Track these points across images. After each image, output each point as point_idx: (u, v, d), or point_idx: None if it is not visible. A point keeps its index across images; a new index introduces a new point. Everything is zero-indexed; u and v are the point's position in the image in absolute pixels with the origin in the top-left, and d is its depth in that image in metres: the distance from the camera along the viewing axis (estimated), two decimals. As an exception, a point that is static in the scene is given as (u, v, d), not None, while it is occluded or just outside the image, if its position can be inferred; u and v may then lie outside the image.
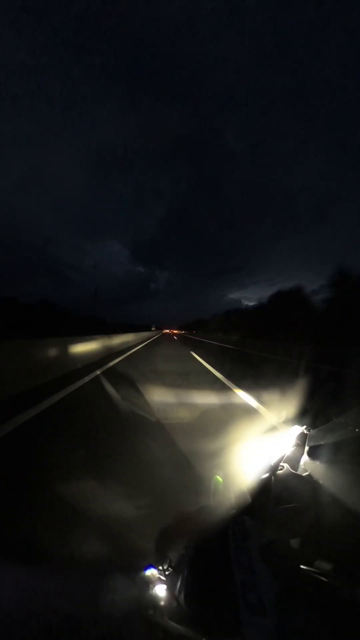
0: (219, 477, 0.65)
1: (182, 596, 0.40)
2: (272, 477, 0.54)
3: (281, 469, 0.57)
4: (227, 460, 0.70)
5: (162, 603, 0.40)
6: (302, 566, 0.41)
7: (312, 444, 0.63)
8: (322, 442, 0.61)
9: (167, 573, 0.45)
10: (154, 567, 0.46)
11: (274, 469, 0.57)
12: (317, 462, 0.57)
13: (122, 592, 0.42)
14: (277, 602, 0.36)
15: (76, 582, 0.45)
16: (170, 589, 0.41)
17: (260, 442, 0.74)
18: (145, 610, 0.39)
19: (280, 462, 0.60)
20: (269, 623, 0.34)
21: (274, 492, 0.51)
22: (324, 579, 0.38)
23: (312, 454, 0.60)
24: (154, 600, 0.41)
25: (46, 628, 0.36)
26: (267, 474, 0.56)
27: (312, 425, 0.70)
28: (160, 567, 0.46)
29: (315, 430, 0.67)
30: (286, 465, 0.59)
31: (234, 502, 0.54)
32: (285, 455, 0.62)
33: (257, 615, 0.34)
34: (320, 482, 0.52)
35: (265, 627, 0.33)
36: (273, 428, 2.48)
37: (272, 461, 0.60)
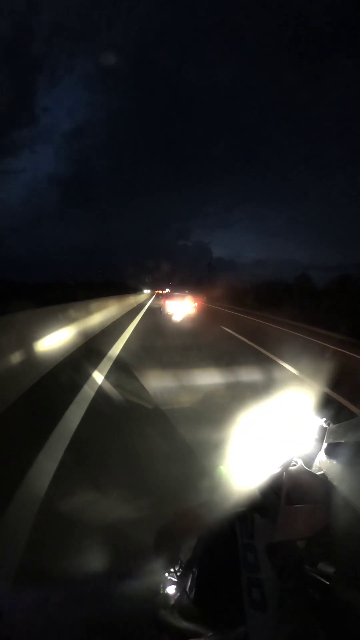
0: (223, 468, 0.62)
1: (191, 594, 0.42)
2: (284, 473, 0.52)
3: (294, 465, 0.54)
4: (233, 448, 0.64)
5: (172, 602, 0.43)
6: (306, 567, 0.42)
7: (331, 440, 0.58)
8: (343, 440, 0.55)
9: (172, 572, 0.47)
10: (161, 567, 0.48)
11: (286, 465, 0.54)
12: (335, 462, 0.53)
13: (132, 595, 0.44)
14: (279, 600, 0.38)
15: (87, 587, 0.48)
16: (179, 587, 0.44)
17: (272, 431, 0.68)
18: (155, 611, 0.42)
19: (294, 457, 0.56)
20: (270, 619, 0.37)
21: (284, 489, 0.49)
22: (325, 581, 0.39)
23: (330, 451, 0.56)
24: (164, 599, 0.44)
25: (60, 634, 0.39)
26: (278, 469, 0.53)
27: (333, 419, 0.63)
28: (167, 567, 0.48)
29: (337, 425, 0.61)
30: (300, 461, 0.56)
31: (242, 498, 0.52)
32: (300, 450, 0.58)
33: (260, 611, 0.37)
34: (335, 483, 0.49)
35: (266, 622, 0.36)
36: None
37: (285, 455, 0.57)
